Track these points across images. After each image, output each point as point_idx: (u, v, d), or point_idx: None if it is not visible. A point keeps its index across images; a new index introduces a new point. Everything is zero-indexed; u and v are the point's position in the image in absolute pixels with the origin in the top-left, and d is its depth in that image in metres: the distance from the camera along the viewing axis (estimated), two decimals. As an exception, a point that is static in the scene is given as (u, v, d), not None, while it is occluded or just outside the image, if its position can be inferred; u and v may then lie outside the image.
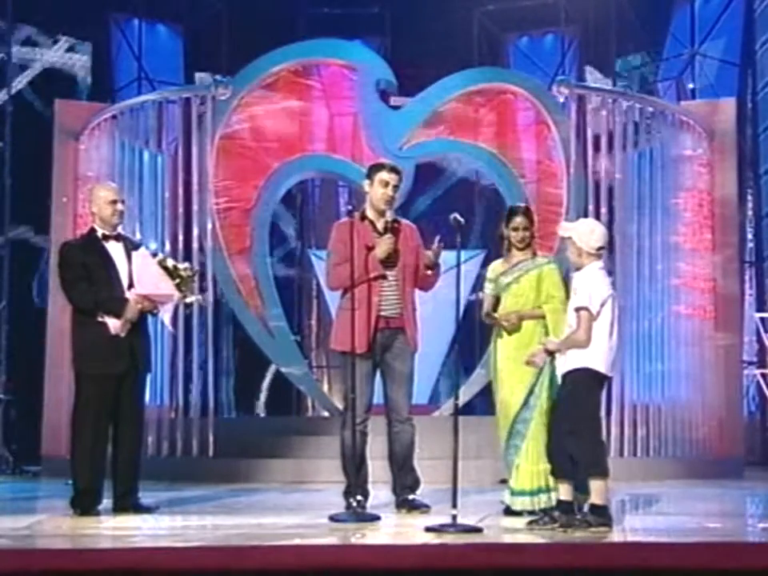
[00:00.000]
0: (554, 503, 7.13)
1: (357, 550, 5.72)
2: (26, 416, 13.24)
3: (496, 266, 7.58)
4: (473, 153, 12.58)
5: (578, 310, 6.55)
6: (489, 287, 7.53)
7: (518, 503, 7.31)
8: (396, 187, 7.64)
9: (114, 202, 7.61)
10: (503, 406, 7.41)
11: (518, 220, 7.46)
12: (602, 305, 6.56)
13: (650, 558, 5.21)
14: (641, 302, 11.88)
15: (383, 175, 7.60)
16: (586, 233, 6.65)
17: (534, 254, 7.50)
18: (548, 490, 7.20)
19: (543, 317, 7.37)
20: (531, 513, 7.15)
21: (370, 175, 7.67)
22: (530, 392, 7.31)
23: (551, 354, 6.69)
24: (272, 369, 15.59)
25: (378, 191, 7.59)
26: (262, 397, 16.50)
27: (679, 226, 12.30)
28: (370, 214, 7.63)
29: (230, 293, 12.14)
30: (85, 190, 11.72)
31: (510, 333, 7.39)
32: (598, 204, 11.76)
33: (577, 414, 6.53)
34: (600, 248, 6.67)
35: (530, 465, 7.28)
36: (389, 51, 15.89)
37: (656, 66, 16.61)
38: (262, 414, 16.35)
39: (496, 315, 7.43)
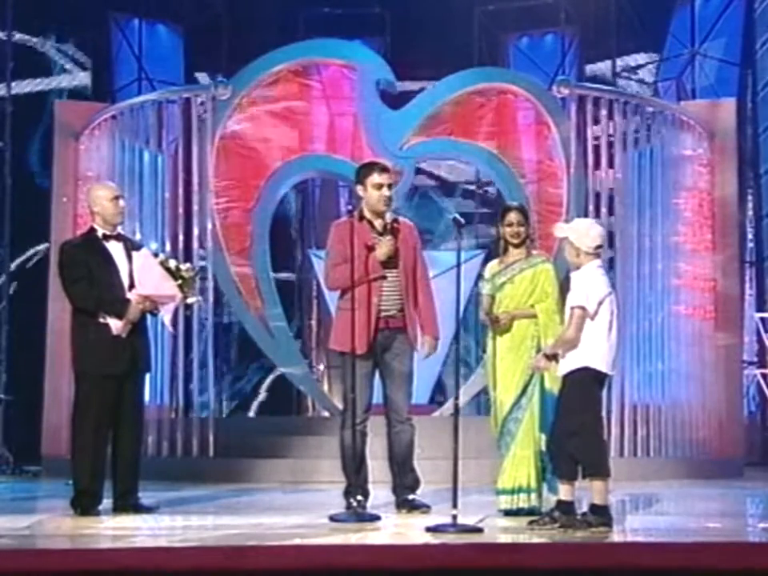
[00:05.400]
0: (534, 503, 7.24)
1: (357, 550, 5.72)
2: (26, 416, 13.24)
3: (492, 266, 7.60)
4: (473, 153, 12.57)
5: (572, 308, 6.57)
6: (485, 287, 7.54)
7: (501, 502, 7.38)
8: (390, 186, 7.62)
9: (117, 198, 7.62)
10: (496, 405, 7.44)
11: (512, 215, 7.48)
12: (600, 303, 6.56)
13: (650, 558, 5.21)
14: (641, 301, 11.88)
15: (375, 179, 7.54)
16: (583, 233, 6.66)
17: (529, 254, 7.52)
18: (528, 490, 7.26)
19: (535, 316, 7.38)
20: (521, 512, 7.20)
21: (360, 179, 7.61)
22: (523, 392, 7.34)
23: (553, 357, 6.69)
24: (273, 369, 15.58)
25: (373, 195, 7.55)
26: (261, 397, 16.49)
27: (679, 226, 12.31)
28: (367, 214, 7.62)
29: (230, 293, 12.14)
30: (84, 190, 11.72)
31: (501, 333, 7.41)
32: (598, 204, 11.77)
33: (578, 414, 6.53)
34: (598, 247, 6.68)
35: (513, 466, 7.34)
36: (389, 51, 15.88)
37: (656, 66, 16.61)
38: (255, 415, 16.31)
39: (491, 315, 7.44)
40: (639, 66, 16.81)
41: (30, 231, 13.49)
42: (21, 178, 14.01)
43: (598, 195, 11.84)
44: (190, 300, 7.95)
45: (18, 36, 14.91)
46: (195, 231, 11.82)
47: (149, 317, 7.75)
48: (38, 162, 14.95)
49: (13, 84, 14.35)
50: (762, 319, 14.51)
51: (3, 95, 14.24)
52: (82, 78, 16.06)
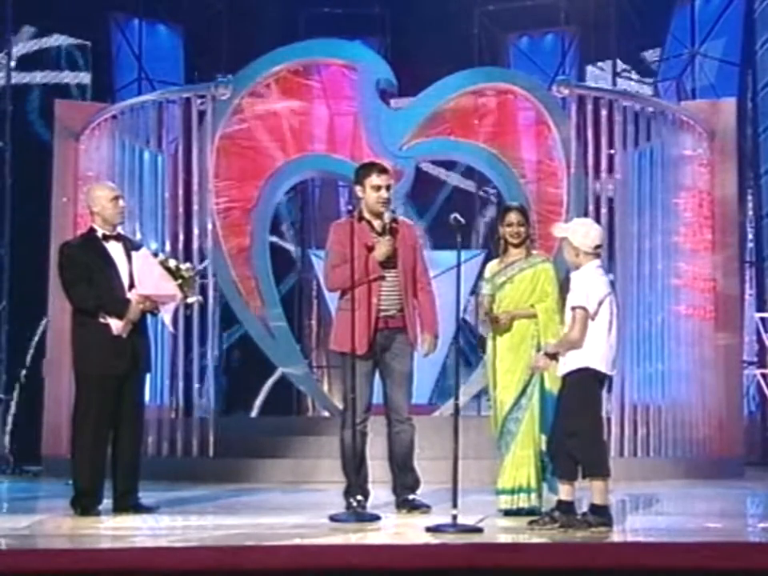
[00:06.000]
0: (534, 503, 7.24)
1: (357, 550, 5.72)
2: (26, 416, 13.24)
3: (492, 266, 7.60)
4: (473, 153, 12.57)
5: (573, 308, 6.56)
6: (486, 287, 7.54)
7: (501, 502, 7.38)
8: (389, 187, 7.62)
9: (117, 198, 7.63)
10: (496, 404, 7.44)
11: (512, 216, 7.49)
12: (600, 303, 6.56)
13: (650, 558, 5.21)
14: (641, 301, 11.87)
15: (374, 180, 7.54)
16: (582, 232, 6.66)
17: (529, 253, 7.51)
18: (528, 490, 7.26)
19: (535, 316, 7.38)
20: (521, 512, 7.21)
21: (359, 180, 7.61)
22: (522, 392, 7.34)
23: (553, 356, 6.69)
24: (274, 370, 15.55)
25: (371, 196, 7.55)
26: (261, 397, 16.47)
27: (679, 226, 12.30)
28: (366, 215, 7.62)
29: (230, 293, 12.14)
30: (84, 190, 11.71)
31: (501, 333, 7.41)
32: (598, 204, 11.77)
33: (578, 415, 6.53)
34: (597, 246, 6.68)
35: (513, 466, 7.34)
36: (389, 51, 15.88)
37: (656, 66, 16.61)
38: (256, 415, 16.29)
39: (491, 315, 7.43)
40: (639, 66, 16.81)
41: (30, 231, 13.49)
42: (21, 176, 14.00)
43: (597, 195, 11.85)
44: (190, 300, 7.95)
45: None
46: (195, 231, 11.82)
47: (149, 317, 7.75)
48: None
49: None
50: (762, 319, 14.51)
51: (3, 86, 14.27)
52: (82, 78, 16.06)
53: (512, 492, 7.32)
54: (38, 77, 15.65)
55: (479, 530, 6.44)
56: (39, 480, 11.92)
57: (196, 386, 11.75)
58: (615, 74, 16.00)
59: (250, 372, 15.87)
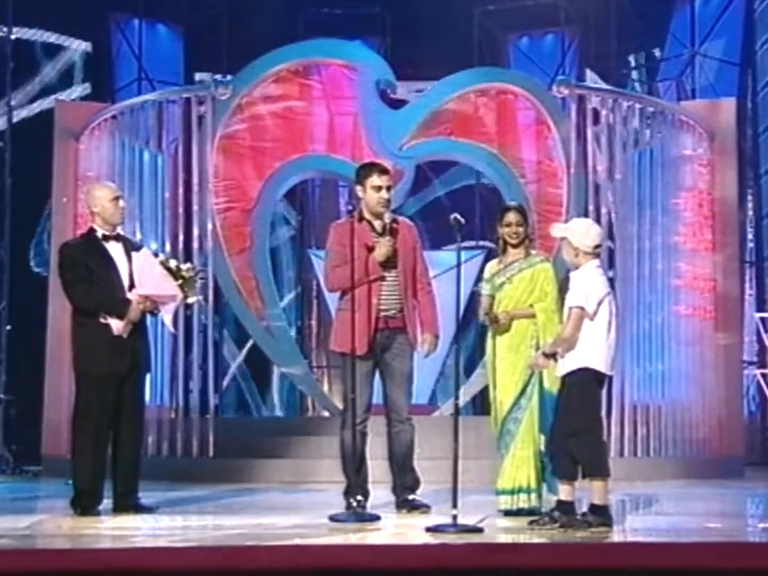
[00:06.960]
0: (534, 503, 7.24)
1: (357, 550, 5.72)
2: (26, 416, 13.23)
3: (491, 266, 7.60)
4: (473, 153, 12.57)
5: (570, 308, 6.57)
6: (485, 287, 7.54)
7: (501, 502, 7.39)
8: (389, 188, 7.62)
9: (117, 198, 7.63)
10: (496, 404, 7.44)
11: (511, 216, 7.49)
12: (599, 303, 6.56)
13: (650, 558, 5.22)
14: (641, 301, 11.87)
15: (374, 180, 7.54)
16: (582, 232, 6.66)
17: (528, 253, 7.51)
18: (528, 490, 7.27)
19: (534, 316, 7.38)
20: (521, 512, 7.21)
21: (359, 180, 7.61)
22: (522, 393, 7.34)
23: (552, 356, 6.69)
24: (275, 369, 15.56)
25: (372, 196, 7.55)
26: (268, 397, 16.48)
27: (679, 226, 12.30)
28: (366, 215, 7.62)
29: (230, 293, 12.14)
30: (84, 190, 11.71)
31: (501, 333, 7.41)
32: (598, 204, 11.77)
33: (577, 415, 6.53)
34: (597, 246, 6.68)
35: (513, 467, 7.34)
36: (389, 51, 15.88)
37: (656, 66, 16.62)
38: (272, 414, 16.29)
39: (491, 315, 7.43)
40: (639, 66, 16.81)
41: (30, 231, 13.50)
42: (21, 176, 14.00)
43: (597, 195, 11.84)
44: (190, 300, 7.96)
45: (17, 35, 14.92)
46: (195, 231, 11.82)
47: (149, 317, 7.75)
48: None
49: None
50: (762, 319, 14.51)
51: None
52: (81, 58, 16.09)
53: (512, 492, 7.32)
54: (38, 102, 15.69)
55: (479, 530, 6.44)
56: (39, 480, 11.92)
57: (196, 385, 11.76)
58: (615, 74, 15.99)
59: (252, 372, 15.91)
